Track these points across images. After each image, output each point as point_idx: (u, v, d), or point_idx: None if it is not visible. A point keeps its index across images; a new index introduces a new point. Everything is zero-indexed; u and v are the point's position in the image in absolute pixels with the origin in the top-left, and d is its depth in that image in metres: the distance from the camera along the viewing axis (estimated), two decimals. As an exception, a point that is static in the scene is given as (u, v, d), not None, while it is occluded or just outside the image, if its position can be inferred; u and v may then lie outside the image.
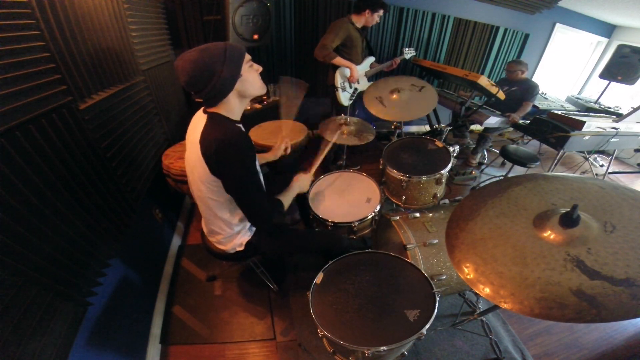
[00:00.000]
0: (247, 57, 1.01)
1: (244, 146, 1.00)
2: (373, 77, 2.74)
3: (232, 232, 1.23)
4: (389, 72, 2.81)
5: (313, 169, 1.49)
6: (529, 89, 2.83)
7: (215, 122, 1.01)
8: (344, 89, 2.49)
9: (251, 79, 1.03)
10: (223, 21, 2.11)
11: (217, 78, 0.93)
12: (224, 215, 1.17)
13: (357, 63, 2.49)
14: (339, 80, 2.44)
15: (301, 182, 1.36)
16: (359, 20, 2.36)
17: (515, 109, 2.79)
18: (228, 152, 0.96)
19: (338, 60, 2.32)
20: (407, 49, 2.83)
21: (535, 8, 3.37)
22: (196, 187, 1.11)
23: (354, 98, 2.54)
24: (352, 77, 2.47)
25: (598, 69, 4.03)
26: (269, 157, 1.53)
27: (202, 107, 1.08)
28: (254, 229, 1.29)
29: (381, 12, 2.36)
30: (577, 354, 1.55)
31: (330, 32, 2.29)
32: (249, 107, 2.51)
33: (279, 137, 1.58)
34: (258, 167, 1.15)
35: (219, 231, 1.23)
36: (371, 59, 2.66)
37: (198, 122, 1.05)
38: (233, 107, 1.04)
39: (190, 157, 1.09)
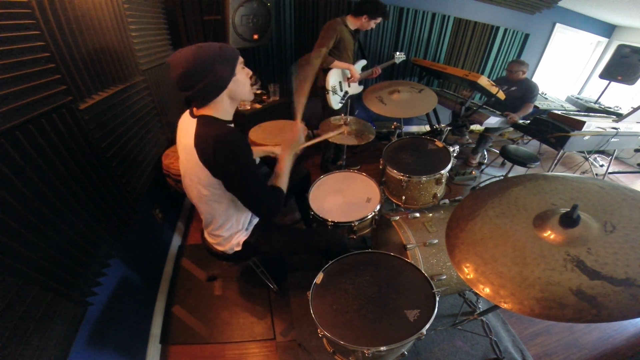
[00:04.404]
0: (241, 59, 1.02)
1: (240, 142, 0.99)
2: (362, 81, 2.69)
3: (229, 233, 1.23)
4: (384, 75, 2.75)
5: (298, 118, 1.39)
6: (528, 89, 2.83)
7: (207, 124, 0.99)
8: (334, 92, 2.42)
9: (243, 81, 1.03)
10: (223, 21, 2.11)
11: (213, 75, 0.93)
12: (223, 217, 1.17)
13: None
14: (330, 83, 2.37)
15: (286, 158, 1.24)
16: (354, 23, 2.31)
17: (514, 109, 2.79)
18: (226, 150, 0.95)
19: (336, 64, 2.28)
20: (397, 53, 2.76)
21: (535, 8, 3.38)
22: (196, 191, 1.10)
23: (344, 101, 2.51)
24: (354, 78, 2.44)
25: (598, 69, 4.03)
26: (258, 152, 1.48)
27: (188, 110, 1.07)
28: (251, 228, 1.28)
29: (379, 20, 2.29)
30: (577, 354, 1.55)
31: (324, 37, 2.23)
32: (249, 107, 2.51)
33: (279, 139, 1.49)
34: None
35: (217, 233, 1.23)
36: (363, 62, 2.60)
37: (187, 126, 1.03)
38: (224, 107, 1.03)
39: (186, 163, 1.07)
